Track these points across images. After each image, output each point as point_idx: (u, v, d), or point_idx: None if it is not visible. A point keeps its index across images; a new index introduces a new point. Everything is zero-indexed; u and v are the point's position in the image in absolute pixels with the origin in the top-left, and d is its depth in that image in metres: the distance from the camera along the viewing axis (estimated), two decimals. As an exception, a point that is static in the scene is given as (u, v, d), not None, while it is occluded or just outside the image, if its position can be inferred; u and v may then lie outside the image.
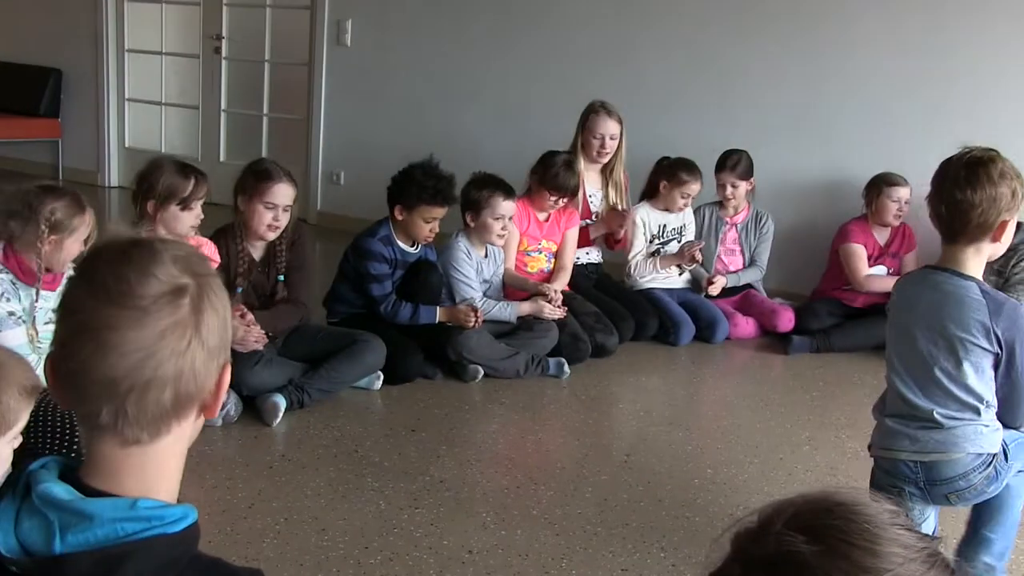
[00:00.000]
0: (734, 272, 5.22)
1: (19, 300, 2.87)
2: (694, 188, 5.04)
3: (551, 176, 4.60)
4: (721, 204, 5.27)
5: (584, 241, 5.00)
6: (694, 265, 5.13)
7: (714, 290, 5.09)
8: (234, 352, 3.33)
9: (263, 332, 3.63)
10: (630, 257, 5.10)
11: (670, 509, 3.06)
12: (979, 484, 2.38)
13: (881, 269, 5.07)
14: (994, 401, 2.39)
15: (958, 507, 2.56)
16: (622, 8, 5.93)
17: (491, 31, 6.35)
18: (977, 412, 2.37)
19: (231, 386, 1.07)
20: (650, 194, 5.14)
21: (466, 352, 4.11)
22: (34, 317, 2.91)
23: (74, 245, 2.91)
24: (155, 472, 1.11)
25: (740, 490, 3.25)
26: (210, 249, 3.53)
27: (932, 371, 2.40)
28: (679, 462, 3.45)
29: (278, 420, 3.53)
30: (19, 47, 8.10)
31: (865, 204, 5.08)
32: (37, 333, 2.91)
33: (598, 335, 4.55)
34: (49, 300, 2.92)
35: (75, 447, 2.56)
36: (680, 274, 5.20)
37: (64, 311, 1.09)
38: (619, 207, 5.01)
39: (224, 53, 7.53)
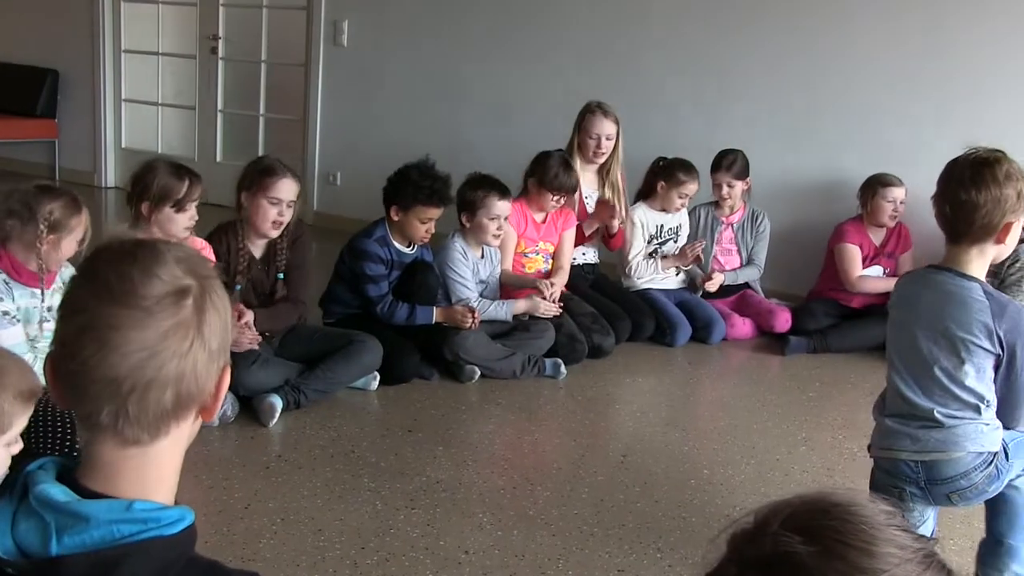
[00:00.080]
0: (730, 271, 5.22)
1: (12, 300, 2.87)
2: (691, 188, 5.05)
3: (551, 177, 4.60)
4: (717, 204, 5.27)
5: (581, 239, 5.00)
6: (691, 265, 5.13)
7: (712, 286, 5.09)
8: (231, 353, 3.33)
9: (257, 333, 3.63)
10: (630, 257, 5.10)
11: (666, 510, 3.07)
12: (980, 483, 2.38)
13: (877, 270, 5.08)
14: (995, 401, 2.39)
15: (959, 507, 2.55)
16: (619, 8, 5.93)
17: (488, 31, 6.36)
18: (977, 411, 2.37)
19: (229, 387, 1.07)
20: (647, 194, 5.14)
21: (463, 353, 4.11)
22: (42, 317, 2.92)
23: (71, 245, 2.93)
24: (153, 474, 1.11)
25: (737, 491, 3.26)
26: (208, 251, 3.53)
27: (932, 370, 2.40)
28: (676, 463, 3.46)
29: (275, 420, 3.53)
30: (16, 47, 8.10)
31: (860, 205, 5.09)
32: (42, 331, 2.91)
33: (595, 336, 4.55)
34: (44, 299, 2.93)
35: (74, 448, 2.56)
36: (677, 274, 5.20)
37: (66, 310, 1.09)
38: (611, 201, 4.99)
39: (221, 53, 7.52)
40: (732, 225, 5.27)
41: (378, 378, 3.97)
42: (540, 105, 6.09)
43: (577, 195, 4.97)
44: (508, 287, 4.62)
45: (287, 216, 3.74)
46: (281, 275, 3.83)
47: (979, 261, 2.39)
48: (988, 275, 2.46)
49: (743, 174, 5.15)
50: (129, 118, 8.06)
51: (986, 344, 2.33)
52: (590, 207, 5.06)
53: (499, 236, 4.39)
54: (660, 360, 4.71)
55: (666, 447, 3.61)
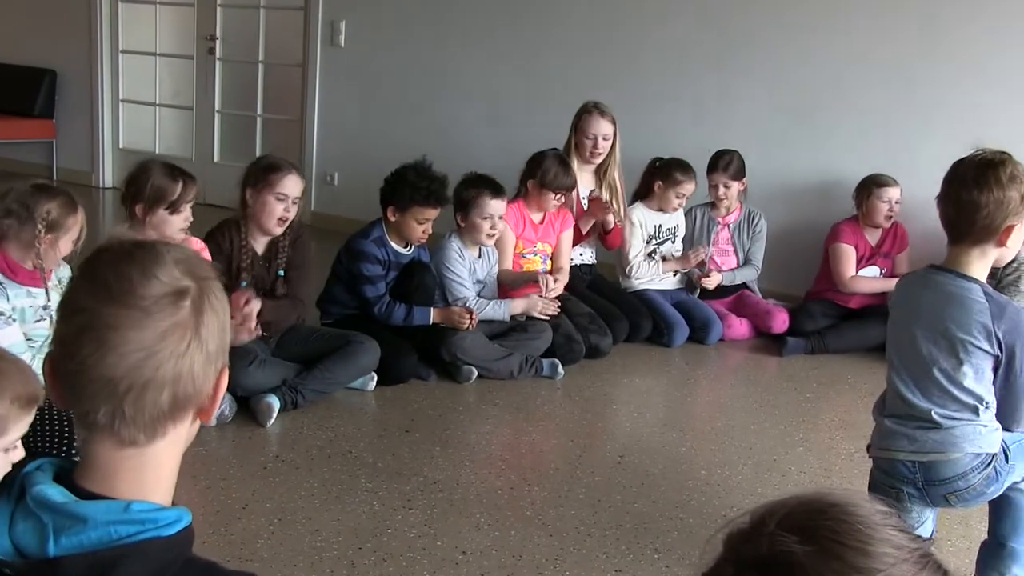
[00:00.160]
0: (728, 271, 5.22)
1: (7, 299, 2.87)
2: (689, 188, 5.05)
3: (552, 176, 4.60)
4: (713, 205, 5.27)
5: (578, 238, 5.00)
6: (690, 268, 5.14)
7: (710, 283, 5.09)
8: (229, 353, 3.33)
9: (254, 326, 3.63)
10: (632, 257, 5.09)
11: (664, 510, 3.07)
12: (978, 485, 2.37)
13: (874, 270, 5.08)
14: (993, 402, 2.38)
15: (957, 508, 2.55)
16: (616, 9, 5.94)
17: (485, 31, 6.36)
18: (976, 412, 2.36)
19: (227, 386, 1.07)
20: (644, 195, 5.14)
21: (460, 353, 4.11)
22: (40, 316, 2.92)
23: (67, 244, 2.94)
24: (150, 475, 1.11)
25: (734, 491, 3.26)
26: (205, 252, 3.53)
27: (931, 371, 2.40)
28: (673, 463, 3.46)
29: (272, 421, 3.53)
30: (14, 48, 8.09)
31: (856, 205, 5.09)
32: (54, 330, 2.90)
33: (592, 336, 4.55)
34: (38, 298, 2.93)
35: (72, 450, 2.56)
36: (675, 274, 5.20)
37: (65, 310, 1.09)
38: (601, 196, 4.99)
39: (218, 54, 7.53)
40: (728, 226, 5.27)
41: (376, 378, 3.97)
42: (538, 106, 6.09)
43: (575, 196, 4.97)
44: (508, 287, 4.61)
45: (292, 213, 3.76)
46: (281, 272, 3.83)
47: (980, 262, 2.38)
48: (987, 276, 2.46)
49: (739, 174, 5.16)
50: (127, 118, 8.06)
51: (985, 345, 2.32)
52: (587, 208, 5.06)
53: (493, 235, 4.39)
54: (657, 361, 4.71)
55: (663, 448, 3.61)
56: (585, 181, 5.07)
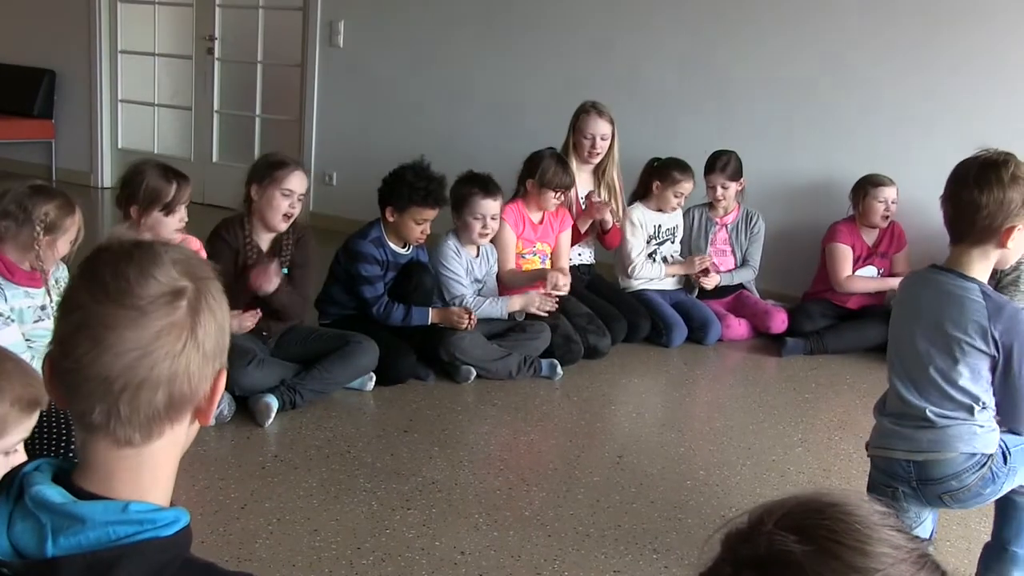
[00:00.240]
0: (726, 272, 5.23)
1: (5, 300, 2.87)
2: (687, 187, 5.05)
3: (550, 175, 4.61)
4: (711, 205, 5.27)
5: (577, 237, 5.00)
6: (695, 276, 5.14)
7: (709, 283, 5.10)
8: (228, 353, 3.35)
9: (254, 313, 3.63)
10: (634, 256, 5.09)
11: (662, 511, 3.07)
12: (973, 485, 2.37)
13: (871, 270, 5.08)
14: (990, 402, 2.38)
15: (954, 508, 2.55)
16: (615, 9, 5.94)
17: (484, 32, 6.36)
18: (971, 412, 2.36)
19: (226, 387, 1.07)
20: (642, 195, 5.14)
21: (459, 353, 4.11)
22: (38, 316, 2.92)
23: (64, 245, 2.94)
24: (148, 475, 1.11)
25: (733, 492, 3.26)
26: (202, 251, 3.53)
27: (928, 370, 2.40)
28: (671, 463, 3.46)
29: (270, 421, 3.53)
30: (12, 48, 8.10)
31: (852, 205, 5.10)
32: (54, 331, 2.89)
33: (591, 336, 4.55)
34: (36, 299, 2.93)
35: (70, 451, 2.56)
36: (676, 277, 5.21)
37: (63, 309, 1.10)
38: (596, 196, 4.99)
39: (217, 54, 7.53)
40: (726, 226, 5.28)
41: (374, 379, 3.97)
42: (537, 105, 6.10)
43: (574, 195, 4.98)
44: (514, 286, 4.60)
45: (297, 209, 3.79)
46: (286, 270, 3.84)
47: (981, 263, 2.37)
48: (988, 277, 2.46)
49: (737, 175, 5.16)
50: (126, 119, 8.06)
51: (980, 345, 2.32)
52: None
53: (485, 235, 4.39)
54: (656, 361, 4.72)
55: (662, 448, 3.61)
56: (583, 181, 5.07)
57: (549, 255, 4.84)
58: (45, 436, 2.51)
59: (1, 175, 7.52)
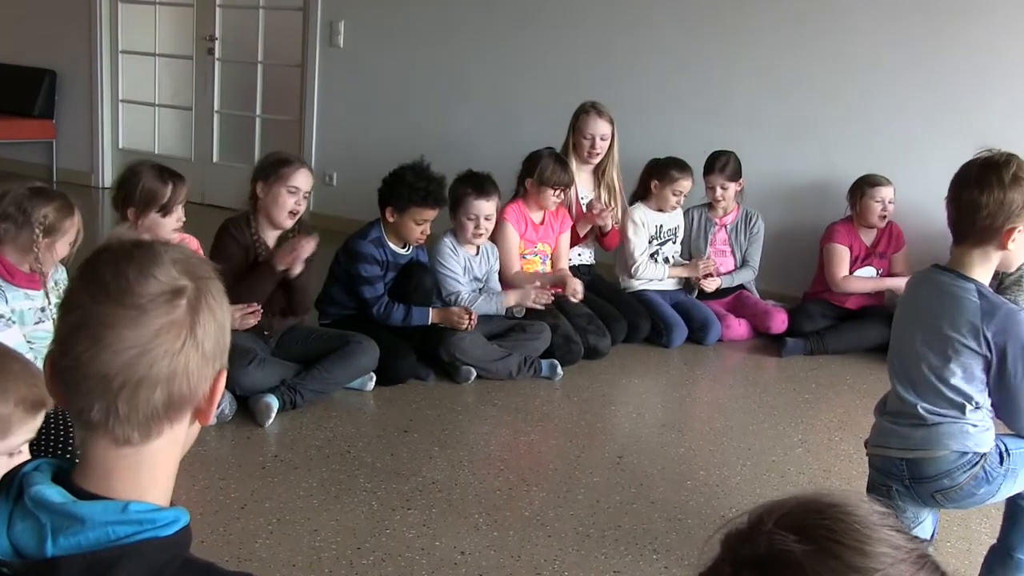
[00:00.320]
0: (726, 273, 5.23)
1: (6, 302, 2.87)
2: (685, 185, 5.04)
3: (548, 173, 4.62)
4: (710, 206, 5.27)
5: (576, 240, 5.01)
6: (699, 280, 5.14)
7: (710, 286, 5.10)
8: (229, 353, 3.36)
9: (255, 311, 3.63)
10: (637, 255, 5.08)
11: (662, 511, 3.07)
12: (965, 484, 2.37)
13: (870, 271, 5.08)
14: (984, 402, 2.38)
15: (949, 507, 2.55)
16: (615, 9, 5.94)
17: (484, 32, 6.36)
18: (962, 411, 2.36)
19: (226, 386, 1.07)
20: (643, 195, 5.14)
21: (459, 353, 4.11)
22: (38, 318, 2.92)
23: (64, 247, 2.94)
24: (147, 475, 1.11)
25: (733, 492, 3.26)
26: (196, 246, 3.54)
27: (922, 368, 2.41)
28: (672, 464, 3.46)
29: (271, 421, 3.53)
30: (13, 48, 8.10)
31: (849, 206, 5.09)
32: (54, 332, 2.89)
33: (591, 337, 4.55)
34: (36, 300, 2.93)
35: (69, 449, 2.55)
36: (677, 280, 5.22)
37: (64, 309, 1.10)
38: (608, 204, 5.00)
39: (217, 54, 7.53)
40: (726, 226, 5.27)
41: (374, 379, 3.97)
42: (537, 106, 6.09)
43: (574, 196, 4.98)
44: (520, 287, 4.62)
45: (303, 207, 3.82)
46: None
47: (982, 264, 2.37)
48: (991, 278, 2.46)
49: (736, 176, 5.16)
50: (126, 119, 8.06)
51: (972, 344, 2.31)
52: (586, 208, 5.06)
53: (480, 235, 4.39)
54: (656, 361, 4.72)
55: (662, 448, 3.61)
56: (583, 181, 5.08)
57: (549, 255, 4.84)
58: (44, 436, 2.51)
59: (2, 175, 7.52)
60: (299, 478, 3.13)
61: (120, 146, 8.02)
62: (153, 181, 3.38)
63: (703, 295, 5.17)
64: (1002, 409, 2.39)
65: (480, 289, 4.45)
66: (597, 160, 5.02)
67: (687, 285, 5.22)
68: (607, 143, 4.98)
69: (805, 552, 0.88)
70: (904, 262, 5.05)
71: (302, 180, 3.79)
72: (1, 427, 1.72)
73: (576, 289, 4.62)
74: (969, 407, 2.36)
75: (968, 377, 2.35)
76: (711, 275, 5.12)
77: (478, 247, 4.47)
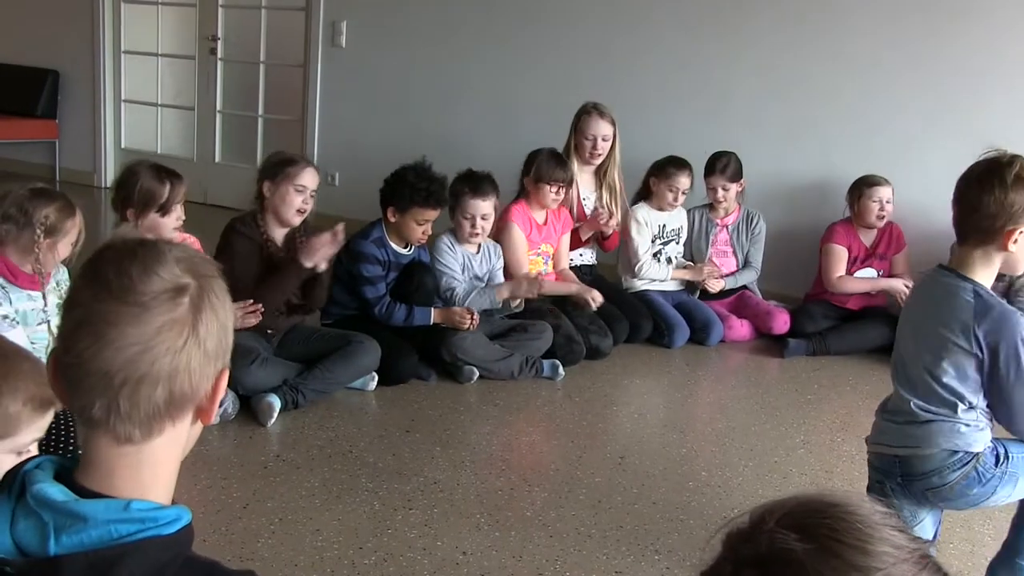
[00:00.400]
0: (729, 275, 5.22)
1: (10, 303, 2.88)
2: (683, 182, 5.03)
3: (544, 169, 4.63)
4: (711, 207, 5.27)
5: (577, 243, 5.01)
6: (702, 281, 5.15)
7: (714, 287, 5.10)
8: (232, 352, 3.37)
9: (256, 310, 3.63)
10: (641, 253, 5.08)
11: (664, 511, 3.07)
12: (956, 483, 2.36)
13: (870, 272, 5.07)
14: (978, 403, 2.36)
15: (942, 507, 2.52)
16: (615, 9, 5.94)
17: (486, 32, 6.36)
18: (954, 409, 2.35)
19: (229, 385, 1.08)
20: (645, 195, 5.14)
21: (460, 353, 4.11)
22: (41, 319, 2.92)
23: (65, 247, 2.95)
24: (149, 473, 1.11)
25: (735, 493, 3.26)
26: (198, 246, 3.54)
27: (918, 366, 2.41)
28: (673, 464, 3.46)
29: (273, 420, 3.53)
30: (16, 48, 8.11)
31: (848, 206, 5.09)
32: (50, 333, 2.90)
33: (592, 337, 4.55)
34: (39, 301, 2.93)
35: (71, 447, 2.56)
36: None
37: (67, 306, 1.10)
38: (611, 208, 5.00)
39: (220, 54, 7.53)
40: (727, 227, 5.27)
41: (376, 379, 3.97)
42: (539, 106, 6.10)
43: (575, 196, 4.98)
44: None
45: (310, 205, 3.85)
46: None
47: (984, 265, 2.35)
48: (999, 281, 2.45)
49: (737, 176, 5.16)
50: (129, 119, 8.07)
51: (963, 343, 2.30)
52: (588, 208, 5.06)
53: (476, 234, 4.39)
54: (658, 362, 4.71)
55: (664, 449, 3.61)
56: (585, 182, 5.08)
57: (551, 256, 4.84)
58: (47, 434, 2.51)
59: (5, 175, 7.54)
60: (301, 478, 3.13)
61: (123, 146, 8.03)
62: (151, 181, 3.38)
63: (705, 295, 5.17)
64: (997, 410, 2.38)
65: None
66: (599, 161, 5.02)
67: (689, 286, 5.22)
68: (609, 144, 4.98)
69: (807, 551, 0.88)
70: (905, 263, 5.05)
71: (309, 179, 3.81)
72: (10, 425, 1.72)
73: (595, 298, 4.65)
74: (961, 406, 2.35)
75: (961, 377, 2.34)
76: (715, 276, 5.13)
77: (479, 245, 4.47)
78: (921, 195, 4.98)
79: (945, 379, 2.35)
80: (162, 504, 1.10)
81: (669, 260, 5.15)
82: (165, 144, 7.94)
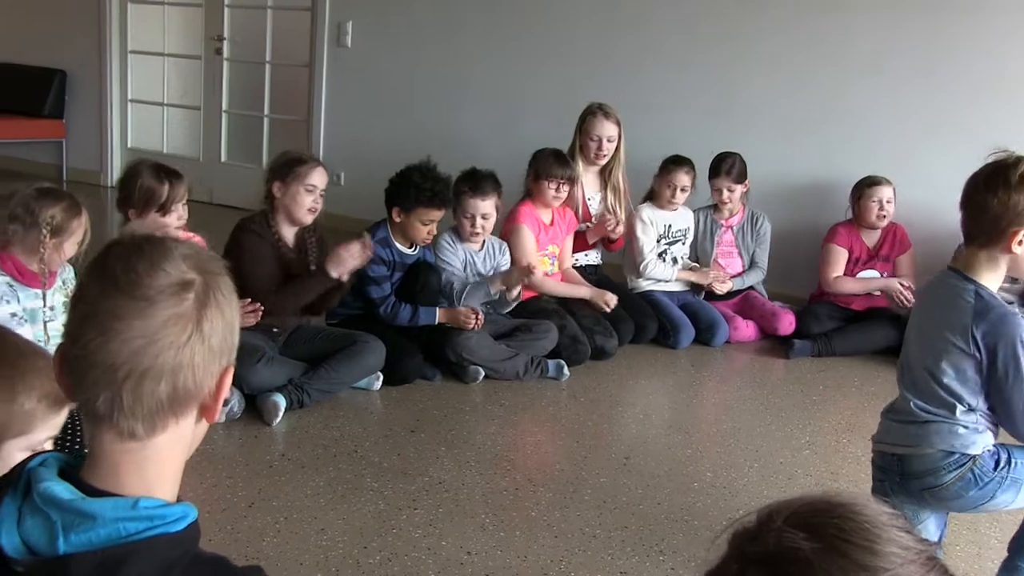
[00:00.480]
0: (736, 276, 5.22)
1: (18, 302, 2.89)
2: (683, 179, 5.02)
3: (545, 167, 4.64)
4: (716, 208, 5.27)
5: (583, 245, 5.01)
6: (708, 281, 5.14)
7: (721, 289, 5.09)
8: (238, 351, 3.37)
9: (255, 310, 3.63)
10: (646, 252, 5.07)
11: (669, 512, 3.06)
12: (952, 485, 2.36)
13: (873, 273, 5.06)
14: (977, 404, 2.36)
15: (941, 509, 2.50)
16: (619, 11, 5.94)
17: (489, 33, 6.37)
18: (952, 410, 2.35)
19: (235, 384, 1.08)
20: (651, 195, 5.14)
21: (466, 353, 4.12)
22: (47, 317, 2.93)
23: (71, 247, 2.95)
24: (153, 470, 1.11)
25: (740, 494, 3.25)
26: (202, 244, 3.55)
27: (920, 367, 2.42)
28: (678, 465, 3.46)
29: (278, 419, 3.54)
30: (23, 48, 8.13)
31: (850, 207, 5.08)
32: (47, 332, 2.91)
33: (597, 337, 4.55)
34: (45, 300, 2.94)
35: (77, 445, 2.56)
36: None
37: (74, 301, 1.11)
38: (617, 211, 5.00)
39: (226, 54, 7.55)
40: (732, 228, 5.27)
41: (381, 378, 3.97)
42: (544, 106, 6.10)
43: (580, 197, 4.98)
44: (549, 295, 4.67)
45: (320, 205, 3.88)
46: (314, 267, 3.88)
47: (989, 266, 2.34)
48: (1009, 282, 2.44)
49: (741, 177, 5.15)
50: (135, 118, 8.09)
51: (961, 344, 2.30)
52: (593, 210, 5.06)
53: (476, 234, 4.40)
54: (663, 362, 4.71)
55: (669, 449, 3.61)
56: (590, 183, 5.08)
57: (558, 256, 4.84)
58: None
59: (12, 174, 7.57)
60: (306, 477, 3.13)
61: (129, 145, 8.05)
62: (150, 180, 3.39)
63: (711, 296, 5.17)
64: (998, 413, 2.38)
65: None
66: (604, 161, 5.02)
67: (695, 286, 5.21)
68: (614, 144, 4.98)
69: (814, 550, 0.88)
70: (909, 265, 5.03)
71: (318, 178, 3.83)
72: (25, 422, 1.72)
73: (608, 301, 4.68)
74: (960, 408, 2.35)
75: (961, 378, 2.34)
76: (721, 279, 5.12)
77: (483, 243, 4.47)
78: (925, 196, 4.97)
79: (945, 380, 2.35)
80: (168, 502, 1.10)
81: (675, 260, 5.15)
82: (171, 144, 7.96)
